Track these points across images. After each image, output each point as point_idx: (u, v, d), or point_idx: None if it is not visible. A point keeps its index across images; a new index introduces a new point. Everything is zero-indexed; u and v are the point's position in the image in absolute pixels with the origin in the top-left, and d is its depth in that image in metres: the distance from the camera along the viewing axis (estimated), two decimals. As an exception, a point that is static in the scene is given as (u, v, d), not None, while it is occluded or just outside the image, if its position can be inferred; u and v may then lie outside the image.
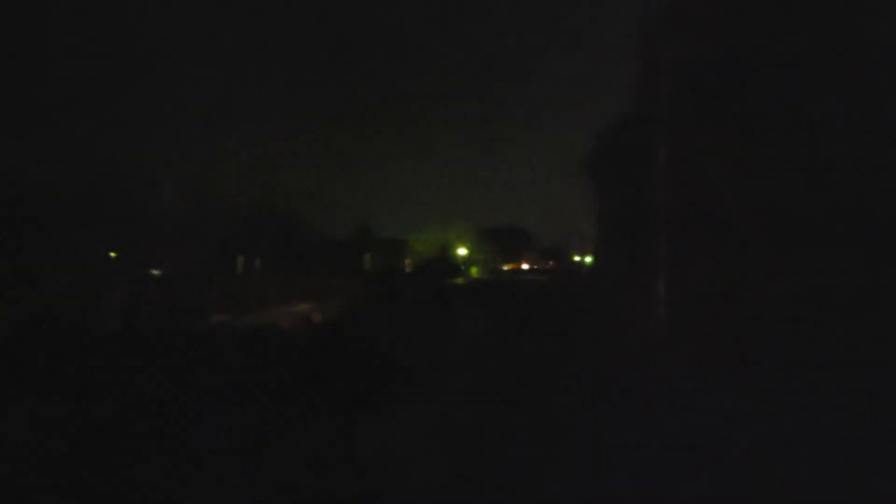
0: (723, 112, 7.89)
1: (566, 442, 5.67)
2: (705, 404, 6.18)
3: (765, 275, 6.81)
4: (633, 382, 6.93)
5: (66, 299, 12.92)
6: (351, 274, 23.91)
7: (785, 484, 4.49)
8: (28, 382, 7.76)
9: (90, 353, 9.37)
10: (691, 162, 8.68)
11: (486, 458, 5.60)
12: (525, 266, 36.32)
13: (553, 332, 10.61)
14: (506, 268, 34.54)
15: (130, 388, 7.53)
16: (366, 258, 30.27)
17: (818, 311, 5.97)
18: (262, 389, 7.45)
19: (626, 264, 12.36)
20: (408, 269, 32.16)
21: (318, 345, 10.86)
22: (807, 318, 6.04)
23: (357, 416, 6.78)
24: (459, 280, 28.40)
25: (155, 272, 19.66)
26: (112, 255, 18.95)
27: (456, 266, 32.37)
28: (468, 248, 34.18)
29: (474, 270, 32.57)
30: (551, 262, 34.65)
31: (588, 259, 26.95)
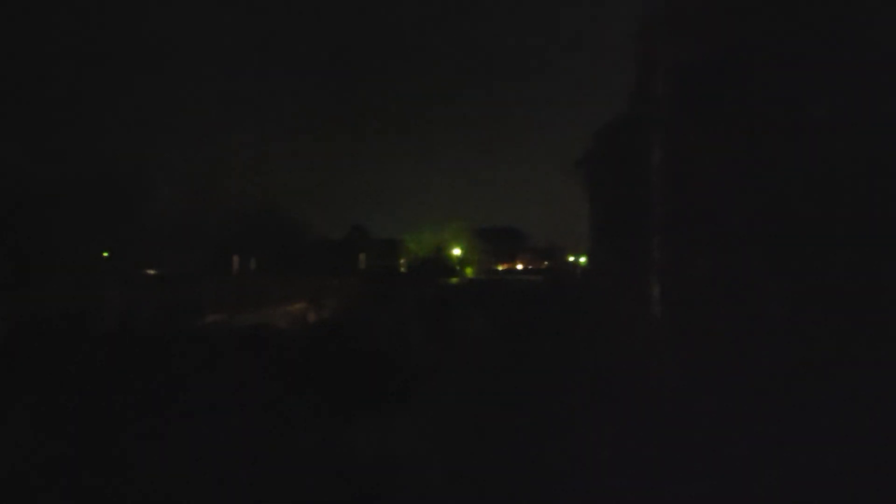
0: (719, 112, 7.93)
1: (564, 442, 5.70)
2: (702, 404, 6.23)
3: (761, 276, 6.85)
4: (629, 382, 6.96)
5: (62, 299, 12.88)
6: (346, 274, 23.92)
7: (783, 484, 4.53)
8: (24, 382, 7.74)
9: (86, 353, 9.34)
10: (687, 162, 8.72)
11: (484, 458, 5.62)
12: (519, 266, 36.42)
13: (549, 332, 10.63)
14: (500, 268, 34.63)
15: (126, 388, 7.51)
16: (361, 258, 30.27)
17: (815, 311, 6.02)
18: (258, 389, 7.45)
19: (620, 265, 12.41)
20: (403, 269, 32.16)
21: (314, 344, 10.86)
22: (804, 318, 6.08)
23: (353, 416, 6.79)
24: (454, 280, 28.42)
25: (150, 272, 19.61)
26: (105, 254, 18.90)
27: (451, 266, 32.41)
28: (463, 248, 34.22)
29: (469, 271, 32.61)
30: (546, 263, 34.74)
31: (582, 259, 27.03)
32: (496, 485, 5.13)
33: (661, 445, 5.35)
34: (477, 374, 8.31)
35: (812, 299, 6.10)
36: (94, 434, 6.19)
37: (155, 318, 13.39)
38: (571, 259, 31.02)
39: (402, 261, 33.85)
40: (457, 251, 34.46)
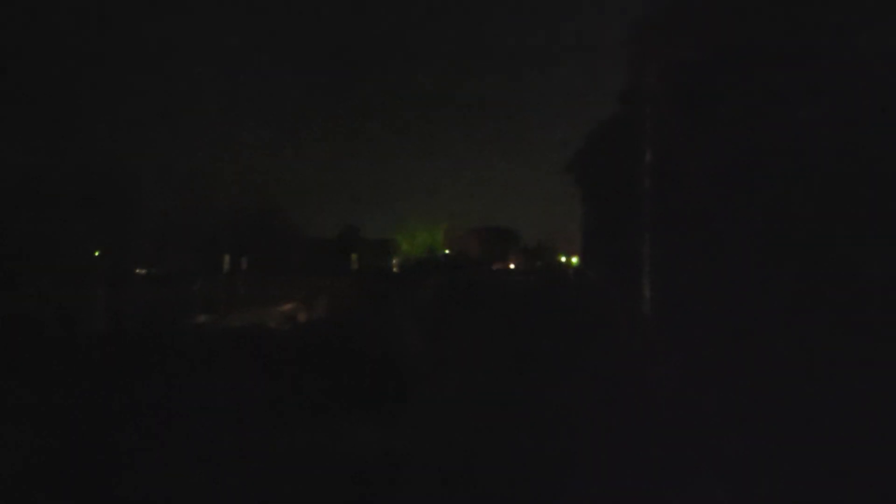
0: (711, 113, 7.95)
1: (561, 441, 5.70)
2: (695, 403, 6.24)
3: (754, 276, 6.87)
4: (622, 381, 6.96)
5: (52, 299, 12.80)
6: (338, 274, 23.85)
7: (777, 485, 4.53)
8: (12, 382, 7.67)
9: (75, 353, 9.28)
10: (680, 163, 8.74)
11: (482, 458, 5.61)
12: (512, 266, 36.41)
13: (543, 330, 10.63)
14: (493, 268, 34.58)
15: (116, 388, 7.46)
16: (353, 258, 30.20)
17: (808, 311, 6.03)
18: (248, 391, 7.42)
19: (613, 265, 12.43)
20: (395, 269, 32.13)
21: (305, 345, 10.83)
22: (797, 318, 6.10)
23: (346, 416, 6.77)
24: (447, 280, 28.36)
25: (141, 271, 19.51)
26: (96, 254, 18.78)
27: (443, 266, 32.35)
28: (455, 248, 34.20)
29: (462, 270, 32.54)
30: (538, 263, 34.75)
31: (574, 260, 27.06)
32: (493, 485, 5.11)
33: (655, 445, 5.35)
34: (472, 375, 8.29)
35: (805, 299, 6.11)
36: (82, 434, 6.14)
37: (145, 319, 13.31)
38: (563, 259, 31.06)
39: (394, 261, 33.80)
40: (449, 251, 34.44)
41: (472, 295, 17.51)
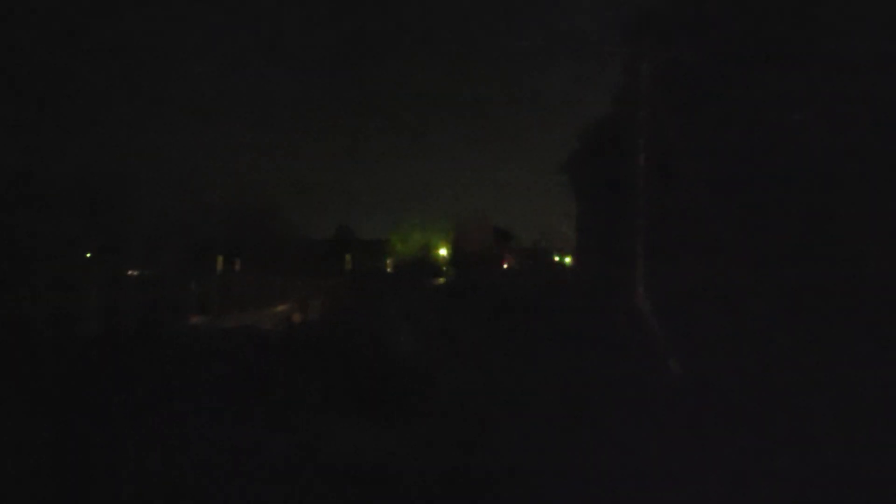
0: (705, 114, 7.97)
1: (559, 442, 5.69)
2: (687, 401, 6.24)
3: (746, 276, 6.89)
4: (617, 380, 6.96)
5: (42, 300, 12.71)
6: (332, 274, 23.80)
7: (776, 486, 4.53)
8: (6, 385, 7.61)
9: (66, 355, 9.23)
10: (672, 164, 8.76)
11: (477, 459, 5.59)
12: (506, 266, 36.39)
13: (537, 329, 10.63)
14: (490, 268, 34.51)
15: (107, 389, 7.42)
16: (347, 258, 30.11)
17: (801, 310, 6.05)
18: (241, 391, 7.39)
19: (607, 264, 12.44)
20: (389, 270, 32.07)
21: (299, 346, 10.80)
22: (790, 317, 6.12)
23: (340, 417, 6.75)
24: (441, 280, 28.36)
25: (133, 272, 19.39)
26: (87, 255, 18.67)
27: (438, 267, 32.34)
28: (450, 248, 34.15)
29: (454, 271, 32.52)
30: (531, 262, 34.75)
31: (567, 259, 27.07)
32: (494, 485, 5.09)
33: (649, 444, 5.35)
34: (468, 376, 8.28)
35: (799, 297, 6.13)
36: (73, 436, 6.10)
37: (137, 320, 13.25)
38: (557, 259, 31.04)
39: (388, 261, 33.75)
40: (443, 252, 34.41)
41: (466, 295, 17.50)
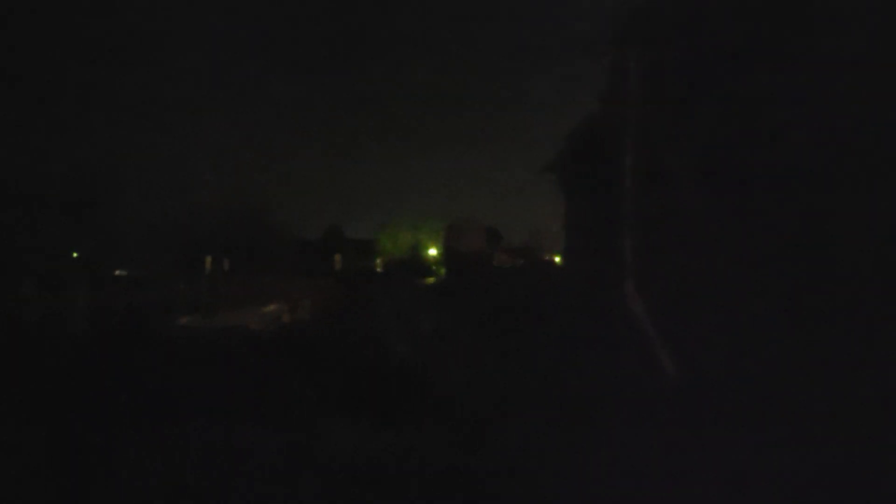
0: (692, 114, 8.02)
1: (554, 443, 5.71)
2: (677, 401, 6.29)
3: (735, 276, 6.94)
4: (607, 380, 7.00)
5: (29, 300, 12.63)
6: (321, 274, 23.77)
7: (776, 486, 4.55)
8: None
9: (55, 356, 9.18)
10: (660, 163, 8.81)
11: (478, 458, 5.60)
12: (496, 265, 36.42)
13: (530, 328, 10.65)
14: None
15: (94, 391, 7.39)
16: (337, 258, 30.08)
17: (790, 311, 6.10)
18: (230, 392, 7.38)
19: (595, 264, 12.49)
20: (379, 269, 32.07)
21: (288, 346, 10.79)
22: (779, 318, 6.16)
23: (329, 417, 6.75)
24: (431, 280, 28.40)
25: (120, 272, 19.29)
26: (75, 255, 18.55)
27: (427, 266, 32.38)
28: (439, 247, 34.19)
29: (444, 271, 32.58)
30: (521, 262, 34.83)
31: (557, 258, 27.17)
32: (493, 485, 5.11)
33: (646, 444, 5.37)
34: (461, 375, 8.28)
35: (792, 297, 6.18)
36: (62, 437, 6.07)
37: (124, 321, 13.17)
38: (546, 258, 31.13)
39: (378, 261, 33.73)
40: (433, 251, 34.42)
41: (457, 295, 17.52)
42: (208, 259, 20.37)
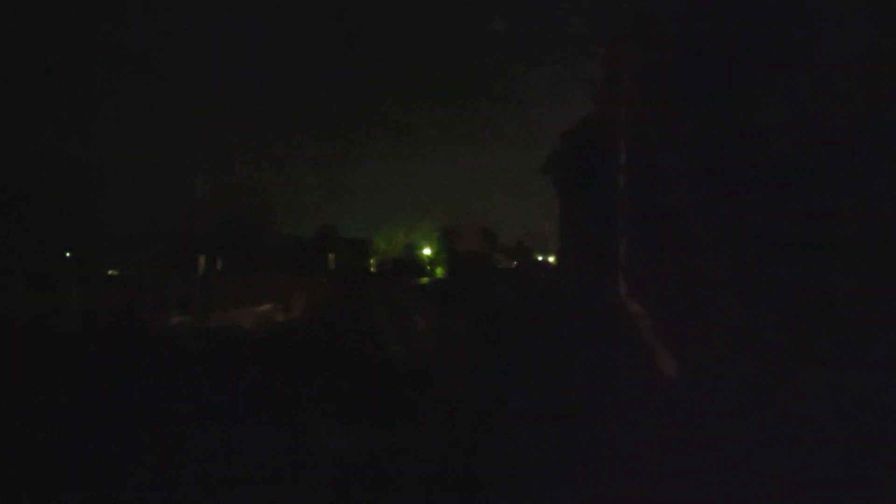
0: (684, 115, 8.05)
1: (551, 441, 5.70)
2: (669, 398, 6.30)
3: (727, 273, 6.96)
4: (601, 376, 7.00)
5: (22, 300, 12.57)
6: (315, 274, 23.74)
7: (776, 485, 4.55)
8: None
9: (47, 354, 9.13)
10: (653, 164, 8.83)
11: (476, 459, 5.58)
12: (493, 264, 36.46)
13: (522, 327, 10.64)
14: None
15: (86, 389, 7.36)
16: (330, 258, 30.02)
17: (781, 309, 6.12)
18: (222, 390, 7.35)
19: (589, 263, 12.52)
20: (373, 269, 32.06)
21: (280, 345, 10.76)
22: (770, 316, 6.18)
23: (324, 416, 6.73)
24: (425, 280, 28.39)
25: (113, 272, 19.22)
26: (68, 255, 18.48)
27: (421, 266, 32.37)
28: (433, 247, 34.18)
29: (439, 271, 32.58)
30: (515, 262, 34.87)
31: (551, 259, 27.23)
32: (493, 486, 5.09)
33: (633, 441, 5.38)
34: (459, 376, 8.26)
35: (777, 297, 6.20)
36: (55, 435, 6.04)
37: (117, 320, 13.11)
38: (540, 258, 31.19)
39: (371, 261, 33.72)
40: (427, 251, 34.41)
41: (453, 295, 17.51)
42: (201, 258, 20.30)
